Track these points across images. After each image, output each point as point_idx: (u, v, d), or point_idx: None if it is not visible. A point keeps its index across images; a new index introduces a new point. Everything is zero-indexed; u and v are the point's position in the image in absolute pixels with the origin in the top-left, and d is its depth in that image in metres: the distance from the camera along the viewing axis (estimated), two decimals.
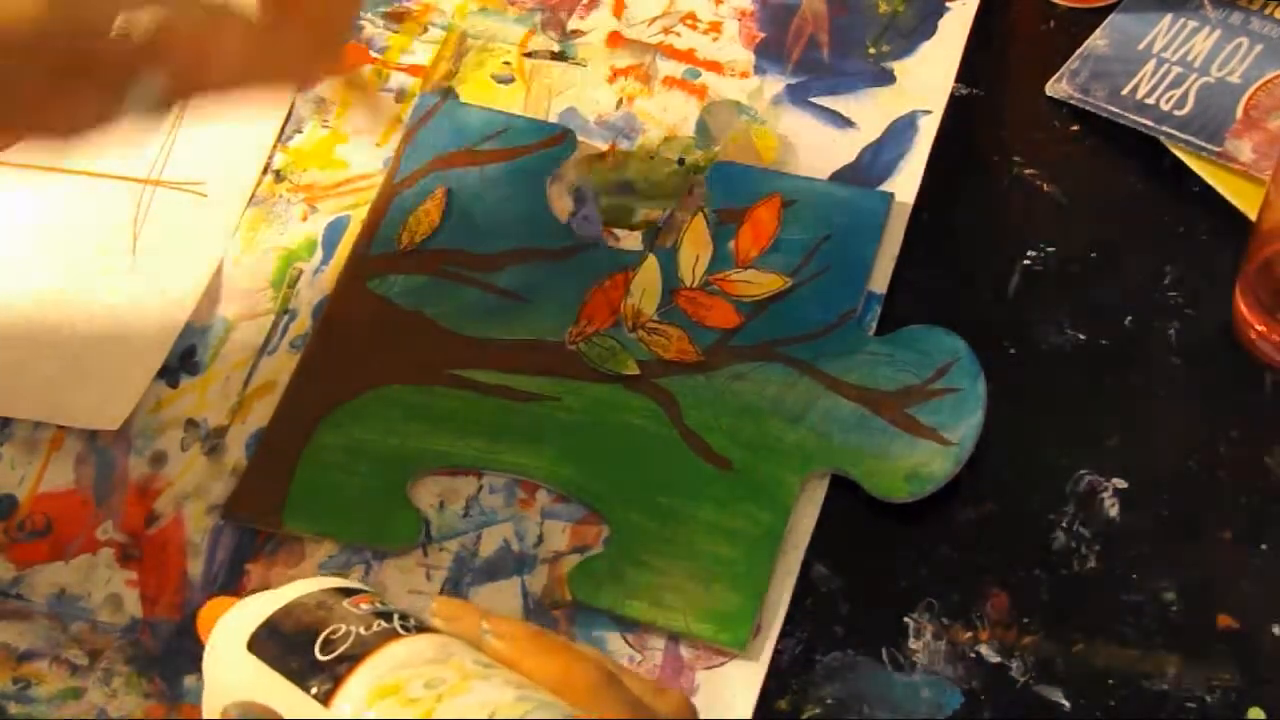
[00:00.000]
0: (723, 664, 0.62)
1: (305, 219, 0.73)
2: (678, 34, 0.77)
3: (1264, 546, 0.63)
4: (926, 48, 0.76)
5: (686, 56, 0.76)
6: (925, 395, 0.66)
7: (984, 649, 0.62)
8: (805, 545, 0.64)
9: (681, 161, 0.73)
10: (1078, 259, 0.70)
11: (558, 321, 0.69)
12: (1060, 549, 0.64)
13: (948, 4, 0.77)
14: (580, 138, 0.74)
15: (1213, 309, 0.68)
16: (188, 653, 0.63)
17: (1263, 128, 0.71)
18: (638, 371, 0.67)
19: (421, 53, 0.77)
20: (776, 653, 0.62)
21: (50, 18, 0.58)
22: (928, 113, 0.73)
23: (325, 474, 0.66)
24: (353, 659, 0.48)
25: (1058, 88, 0.74)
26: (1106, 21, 0.75)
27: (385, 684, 0.47)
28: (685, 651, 0.62)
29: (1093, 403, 0.67)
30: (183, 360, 0.70)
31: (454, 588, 0.64)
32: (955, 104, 0.74)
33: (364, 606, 0.50)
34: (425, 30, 0.78)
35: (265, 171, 0.74)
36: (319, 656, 0.48)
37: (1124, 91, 0.73)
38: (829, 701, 0.61)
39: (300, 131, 0.75)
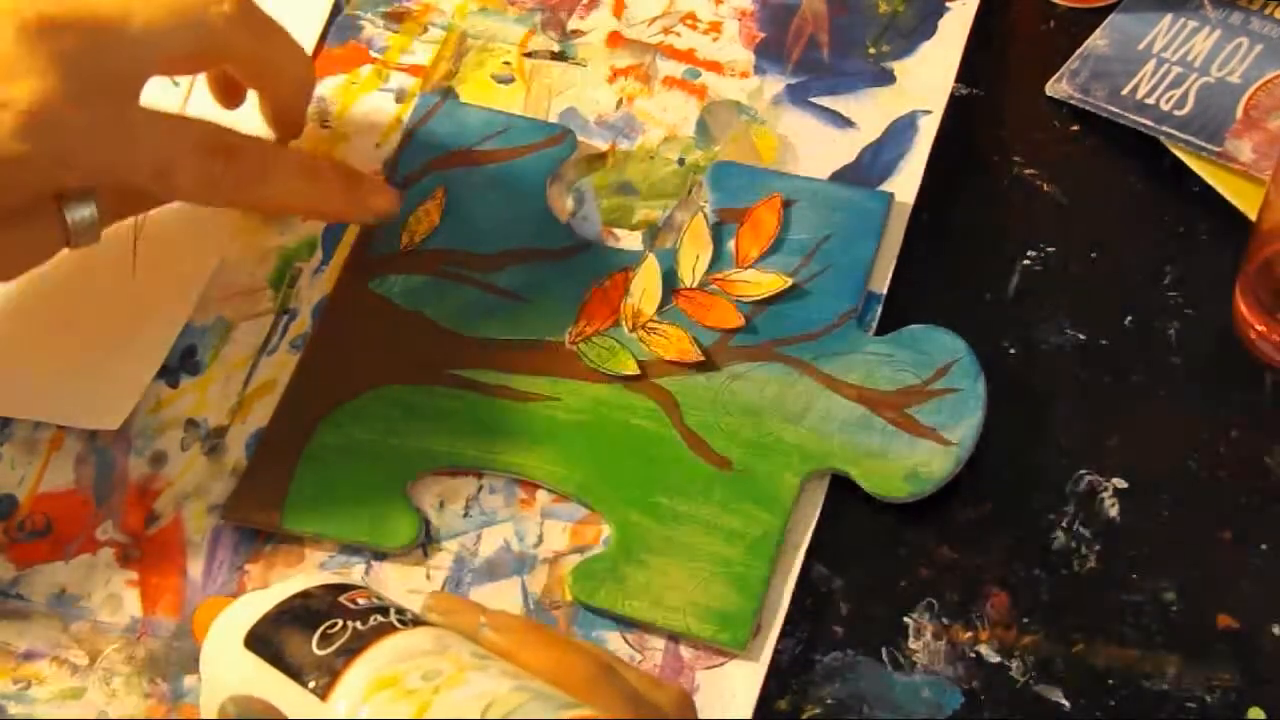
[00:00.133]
0: (723, 664, 0.62)
1: (305, 219, 0.73)
2: (678, 34, 0.77)
3: (1264, 546, 0.63)
4: (926, 48, 0.76)
5: (686, 56, 0.76)
6: (925, 395, 0.66)
7: (984, 649, 0.62)
8: (805, 545, 0.64)
9: (681, 161, 0.73)
10: (1078, 259, 0.70)
11: (558, 321, 0.69)
12: (1060, 549, 0.64)
13: (948, 4, 0.77)
14: (580, 138, 0.74)
15: (1213, 309, 0.68)
16: (188, 653, 0.63)
17: (1263, 128, 0.71)
18: (638, 371, 0.67)
19: (421, 53, 0.77)
20: (776, 653, 0.62)
21: (29, 152, 0.59)
22: (928, 113, 0.73)
23: (325, 474, 0.66)
24: (350, 652, 0.48)
25: (1058, 88, 0.74)
26: (1106, 21, 0.75)
27: (383, 676, 0.47)
28: (685, 651, 0.62)
29: (1093, 403, 0.67)
30: (183, 360, 0.70)
31: (454, 588, 0.64)
32: (955, 104, 0.74)
33: (360, 601, 0.50)
34: (425, 30, 0.78)
35: None
36: (316, 651, 0.48)
37: (1124, 91, 0.73)
38: (829, 701, 0.61)
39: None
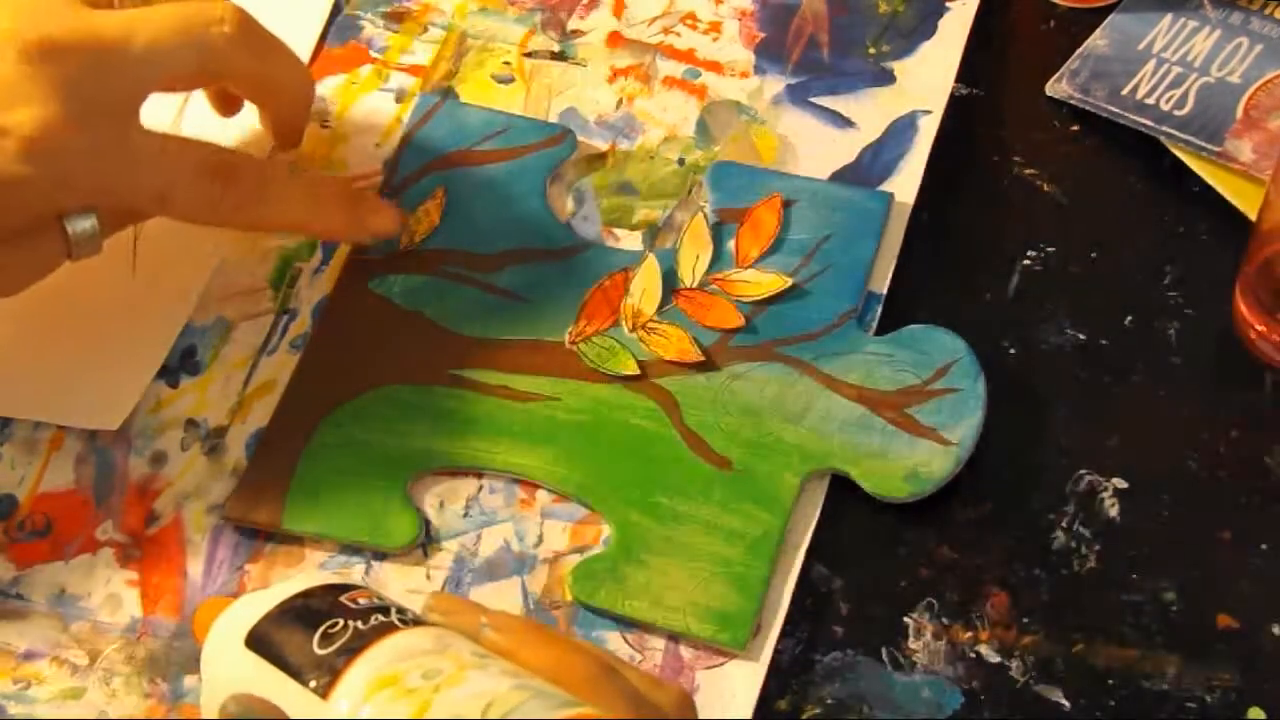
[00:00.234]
0: (723, 664, 0.62)
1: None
2: (678, 34, 0.77)
3: (1264, 546, 0.63)
4: (926, 48, 0.76)
5: (686, 56, 0.76)
6: (925, 395, 0.66)
7: (984, 649, 0.62)
8: (805, 545, 0.64)
9: (681, 161, 0.73)
10: (1078, 259, 0.70)
11: (558, 321, 0.69)
12: (1060, 549, 0.64)
13: (948, 4, 0.77)
14: (580, 138, 0.74)
15: (1213, 309, 0.68)
16: (188, 653, 0.63)
17: (1263, 128, 0.71)
18: (638, 371, 0.67)
19: (421, 53, 0.77)
20: (776, 653, 0.62)
21: (30, 176, 0.60)
22: (928, 113, 0.73)
23: (325, 474, 0.66)
24: (350, 652, 0.48)
25: (1058, 88, 0.74)
26: (1106, 21, 0.75)
27: (383, 675, 0.47)
28: (685, 651, 0.62)
29: (1093, 403, 0.67)
30: (183, 360, 0.70)
31: (454, 588, 0.64)
32: (955, 104, 0.74)
33: (361, 601, 0.50)
34: (425, 30, 0.78)
35: None
36: (317, 650, 0.48)
37: (1124, 91, 0.73)
38: (829, 701, 0.61)
39: None
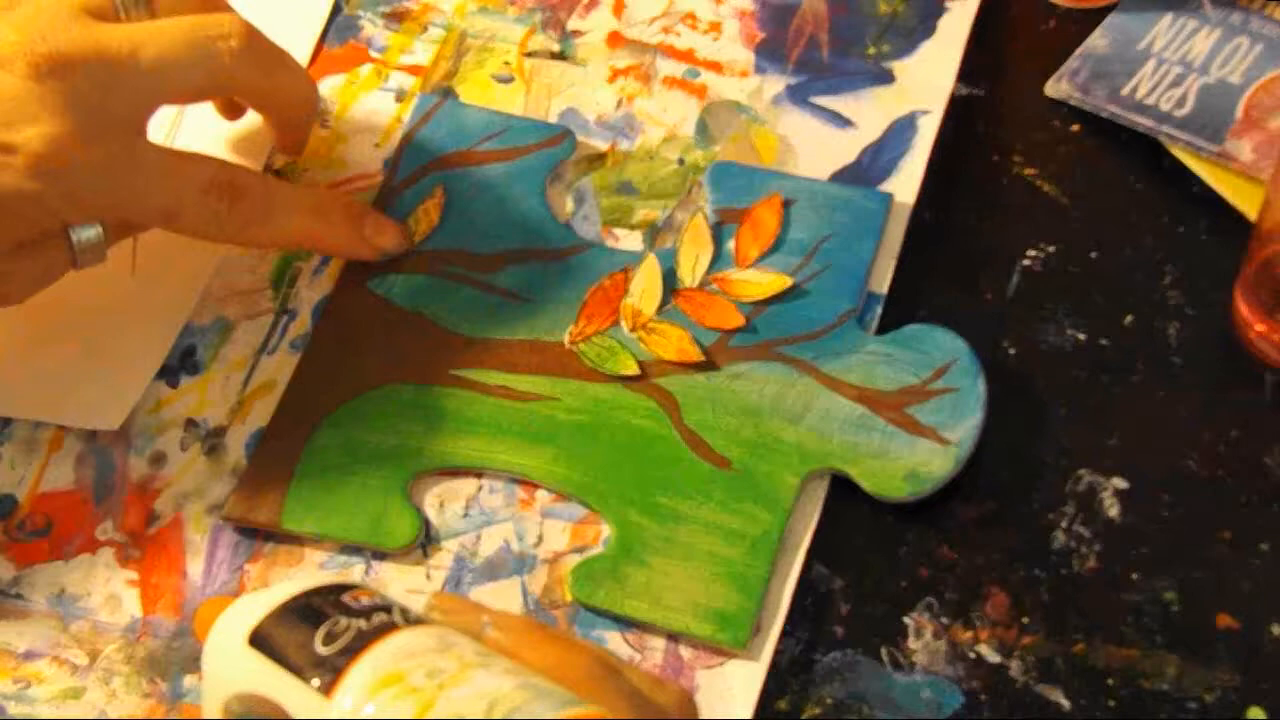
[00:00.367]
0: (723, 664, 0.62)
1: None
2: (678, 34, 0.77)
3: (1264, 546, 0.63)
4: (926, 48, 0.76)
5: (686, 56, 0.76)
6: (925, 395, 0.66)
7: (984, 649, 0.62)
8: (805, 545, 0.64)
9: (681, 161, 0.73)
10: (1078, 259, 0.70)
11: (558, 321, 0.69)
12: (1060, 549, 0.64)
13: (948, 4, 0.77)
14: (580, 138, 0.74)
15: (1213, 309, 0.68)
16: (188, 652, 0.63)
17: (1263, 128, 0.71)
18: (638, 371, 0.67)
19: (421, 53, 0.77)
20: (776, 653, 0.62)
21: (39, 192, 0.60)
22: (928, 113, 0.73)
23: (325, 474, 0.66)
24: (353, 650, 0.48)
25: (1058, 88, 0.74)
26: (1106, 21, 0.75)
27: (387, 674, 0.47)
28: (685, 651, 0.62)
29: (1093, 403, 0.67)
30: (183, 360, 0.70)
31: (454, 588, 0.64)
32: (955, 104, 0.74)
33: (363, 600, 0.50)
34: (425, 30, 0.78)
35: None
36: (320, 649, 0.48)
37: (1124, 91, 0.73)
38: (829, 701, 0.61)
39: None
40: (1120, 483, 0.65)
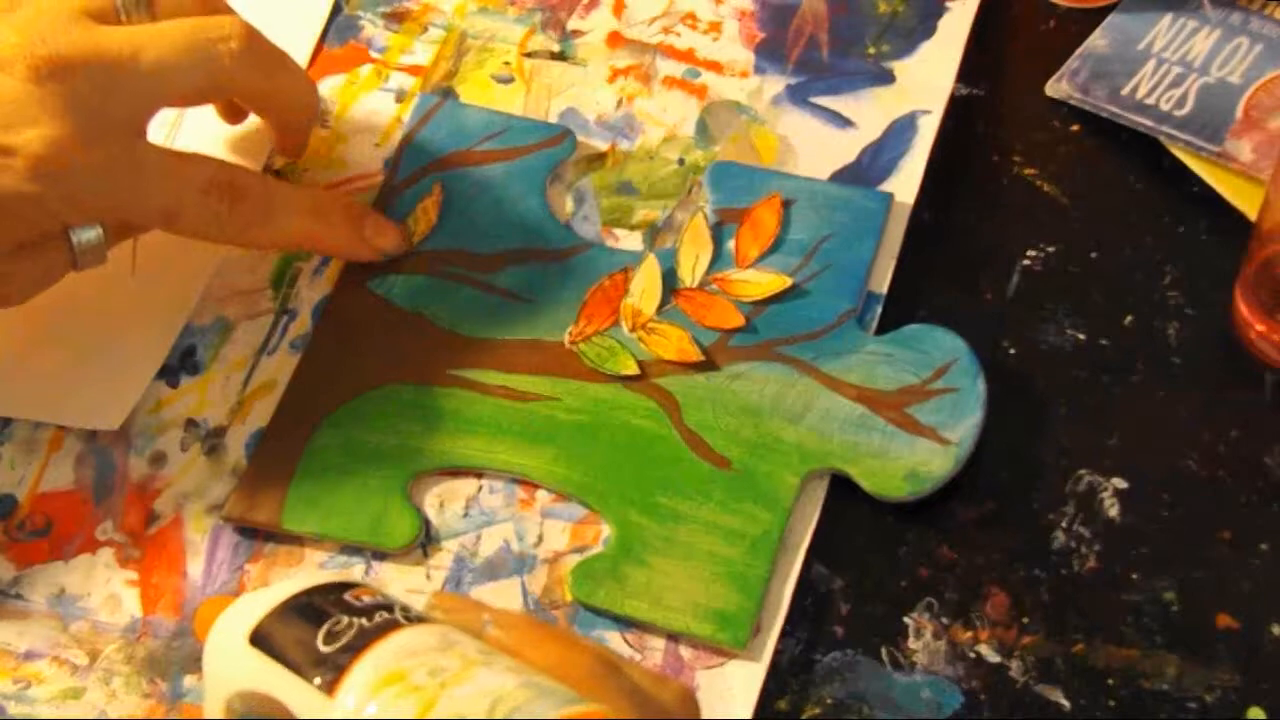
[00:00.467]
0: (723, 664, 0.62)
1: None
2: (678, 34, 0.77)
3: (1264, 546, 0.63)
4: (926, 48, 0.76)
5: (686, 56, 0.76)
6: (925, 395, 0.66)
7: (984, 649, 0.62)
8: (805, 545, 0.64)
9: (681, 161, 0.73)
10: (1078, 259, 0.70)
11: (558, 321, 0.69)
12: (1060, 549, 0.64)
13: (948, 4, 0.77)
14: (580, 138, 0.74)
15: (1213, 309, 0.68)
16: (188, 652, 0.63)
17: (1263, 128, 0.71)
18: (638, 371, 0.67)
19: (421, 53, 0.77)
20: (776, 653, 0.62)
21: (39, 194, 0.60)
22: (928, 113, 0.73)
23: (325, 474, 0.66)
24: (355, 649, 0.48)
25: (1058, 88, 0.74)
26: (1106, 21, 0.75)
27: (389, 672, 0.47)
28: (685, 651, 0.62)
29: (1092, 402, 0.67)
30: (183, 360, 0.70)
31: (454, 588, 0.64)
32: (955, 104, 0.74)
33: (365, 599, 0.50)
34: (425, 30, 0.78)
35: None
36: (321, 648, 0.48)
37: (1124, 91, 0.73)
38: (829, 701, 0.61)
39: None
40: (1120, 483, 0.65)
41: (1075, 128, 0.73)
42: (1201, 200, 0.71)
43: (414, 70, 0.77)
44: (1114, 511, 0.64)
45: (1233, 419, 0.66)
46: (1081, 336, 0.68)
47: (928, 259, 0.70)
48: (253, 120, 0.73)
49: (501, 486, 0.66)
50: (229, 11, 0.67)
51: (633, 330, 0.68)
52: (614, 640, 0.62)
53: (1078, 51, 0.75)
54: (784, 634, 0.62)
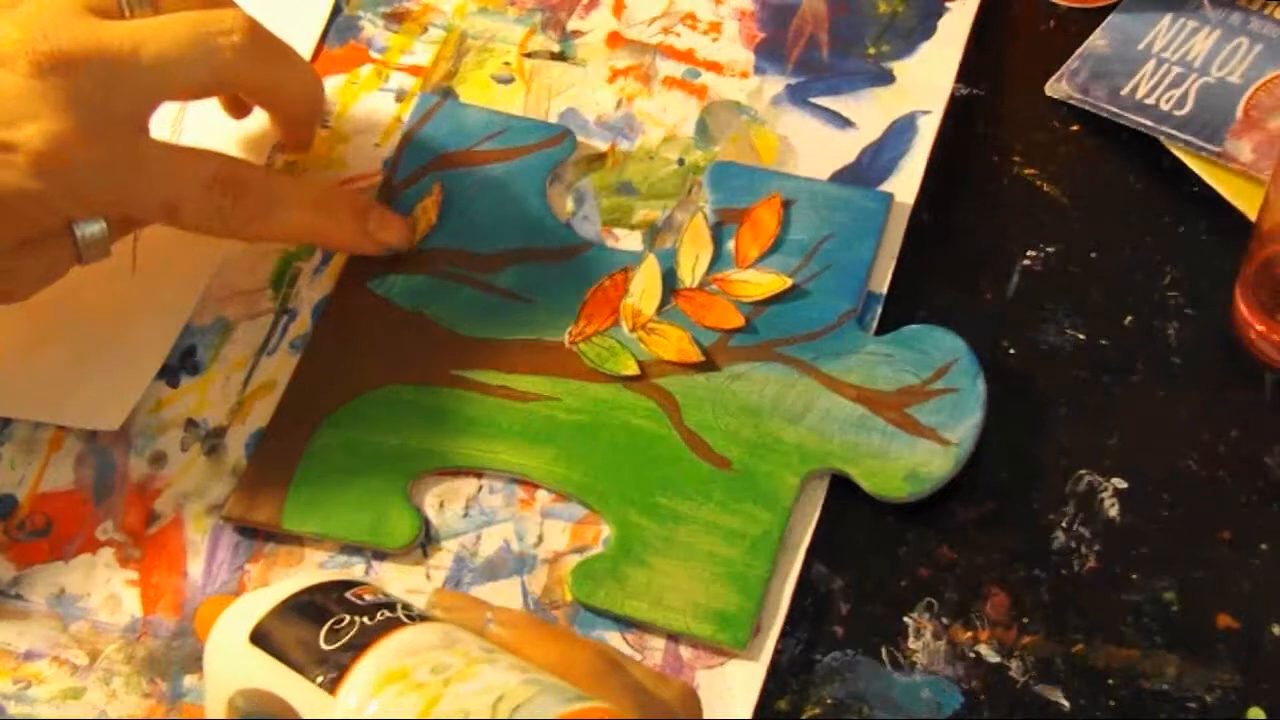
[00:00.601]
0: (722, 664, 0.62)
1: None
2: (678, 34, 0.77)
3: (1264, 546, 0.63)
4: (926, 48, 0.76)
5: (686, 56, 0.76)
6: (925, 395, 0.66)
7: (984, 649, 0.62)
8: (805, 545, 0.64)
9: (681, 161, 0.73)
10: (1078, 259, 0.70)
11: (558, 321, 0.69)
12: (1060, 549, 0.64)
13: (948, 4, 0.77)
14: (580, 138, 0.74)
15: (1213, 309, 0.68)
16: (188, 652, 0.63)
17: (1263, 128, 0.71)
18: (638, 371, 0.67)
19: (421, 53, 0.77)
20: (776, 653, 0.62)
21: (41, 190, 0.60)
22: (928, 113, 0.73)
23: (325, 474, 0.66)
24: (358, 647, 0.48)
25: (1058, 88, 0.74)
26: (1106, 21, 0.75)
27: (391, 670, 0.47)
28: (685, 651, 0.62)
29: (1092, 402, 0.67)
30: (183, 360, 0.70)
31: (454, 588, 0.64)
32: (955, 104, 0.74)
33: (367, 597, 0.50)
34: (425, 30, 0.78)
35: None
36: (323, 646, 0.48)
37: (1124, 91, 0.73)
38: (829, 701, 0.61)
39: None
40: (1120, 483, 0.65)
41: (1075, 128, 0.73)
42: (1201, 200, 0.71)
43: (414, 70, 0.77)
44: (1114, 511, 0.64)
45: (1233, 419, 0.66)
46: (1081, 336, 0.68)
47: (928, 259, 0.70)
48: (255, 117, 0.73)
49: (501, 486, 0.66)
50: (232, 5, 0.67)
51: (633, 330, 0.68)
52: (614, 640, 0.62)
53: (1078, 51, 0.75)
54: (784, 634, 0.62)
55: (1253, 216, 0.68)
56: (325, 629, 0.49)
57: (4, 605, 0.65)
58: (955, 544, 0.64)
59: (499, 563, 0.64)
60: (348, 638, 0.48)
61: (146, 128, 0.64)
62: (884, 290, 0.69)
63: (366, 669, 0.47)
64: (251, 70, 0.66)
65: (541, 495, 0.66)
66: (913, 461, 0.64)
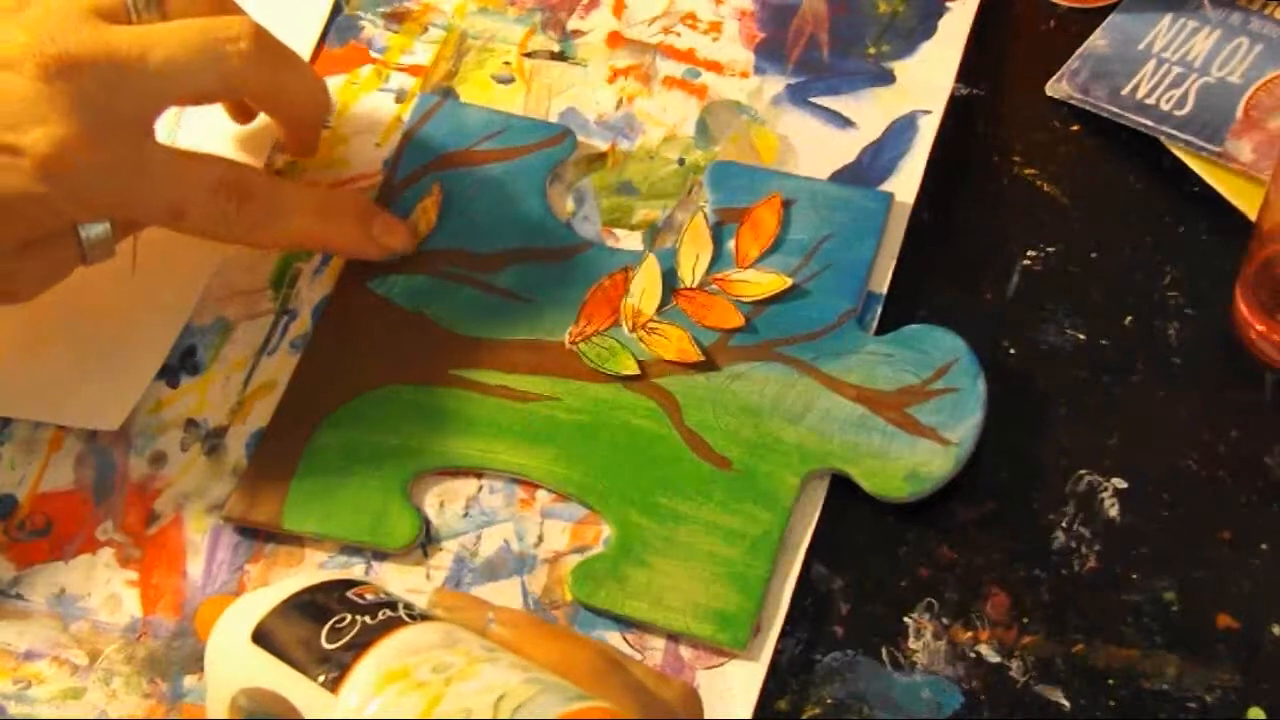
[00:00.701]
0: (723, 664, 0.62)
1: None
2: (678, 34, 0.77)
3: (1264, 546, 0.63)
4: (926, 48, 0.76)
5: (686, 56, 0.76)
6: (925, 395, 0.66)
7: (984, 649, 0.62)
8: (805, 545, 0.64)
9: (681, 161, 0.73)
10: (1078, 259, 0.70)
11: (558, 321, 0.69)
12: (1060, 549, 0.64)
13: (948, 4, 0.77)
14: (580, 138, 0.74)
15: (1213, 309, 0.68)
16: (188, 652, 0.63)
17: (1263, 128, 0.71)
18: (638, 371, 0.67)
19: (421, 53, 0.77)
20: (776, 653, 0.62)
21: (46, 194, 0.60)
22: (928, 113, 0.73)
23: (325, 474, 0.66)
24: (359, 646, 0.48)
25: (1058, 88, 0.74)
26: (1106, 21, 0.75)
27: (393, 669, 0.47)
28: (685, 651, 0.62)
29: (1093, 402, 0.67)
30: (183, 360, 0.70)
31: (454, 588, 0.64)
32: (955, 104, 0.74)
33: (368, 597, 0.50)
34: (425, 30, 0.78)
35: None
36: (325, 645, 0.48)
37: (1124, 91, 0.73)
38: (829, 701, 0.61)
39: None
40: (1120, 483, 0.65)
41: (1075, 128, 0.73)
42: (1201, 200, 0.71)
43: (414, 70, 0.77)
44: (1114, 511, 0.64)
45: (1233, 419, 0.66)
46: (1081, 336, 0.68)
47: (928, 259, 0.70)
48: (253, 124, 0.73)
49: (501, 486, 0.66)
50: (239, 12, 0.67)
51: (633, 330, 0.68)
52: (614, 640, 0.62)
53: (1078, 51, 0.75)
54: (784, 634, 0.62)
55: (1253, 216, 0.68)
56: (327, 628, 0.49)
57: (4, 605, 0.65)
58: (955, 544, 0.64)
59: (499, 563, 0.64)
60: (349, 637, 0.48)
61: (152, 132, 0.64)
62: (884, 290, 0.69)
63: (368, 668, 0.47)
64: (258, 76, 0.66)
65: (541, 495, 0.66)
66: (913, 461, 0.64)
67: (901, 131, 0.73)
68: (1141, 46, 0.74)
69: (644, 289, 0.69)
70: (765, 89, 0.75)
